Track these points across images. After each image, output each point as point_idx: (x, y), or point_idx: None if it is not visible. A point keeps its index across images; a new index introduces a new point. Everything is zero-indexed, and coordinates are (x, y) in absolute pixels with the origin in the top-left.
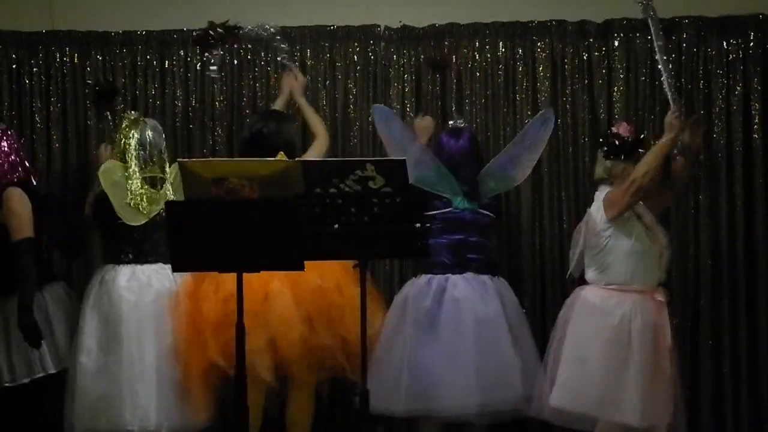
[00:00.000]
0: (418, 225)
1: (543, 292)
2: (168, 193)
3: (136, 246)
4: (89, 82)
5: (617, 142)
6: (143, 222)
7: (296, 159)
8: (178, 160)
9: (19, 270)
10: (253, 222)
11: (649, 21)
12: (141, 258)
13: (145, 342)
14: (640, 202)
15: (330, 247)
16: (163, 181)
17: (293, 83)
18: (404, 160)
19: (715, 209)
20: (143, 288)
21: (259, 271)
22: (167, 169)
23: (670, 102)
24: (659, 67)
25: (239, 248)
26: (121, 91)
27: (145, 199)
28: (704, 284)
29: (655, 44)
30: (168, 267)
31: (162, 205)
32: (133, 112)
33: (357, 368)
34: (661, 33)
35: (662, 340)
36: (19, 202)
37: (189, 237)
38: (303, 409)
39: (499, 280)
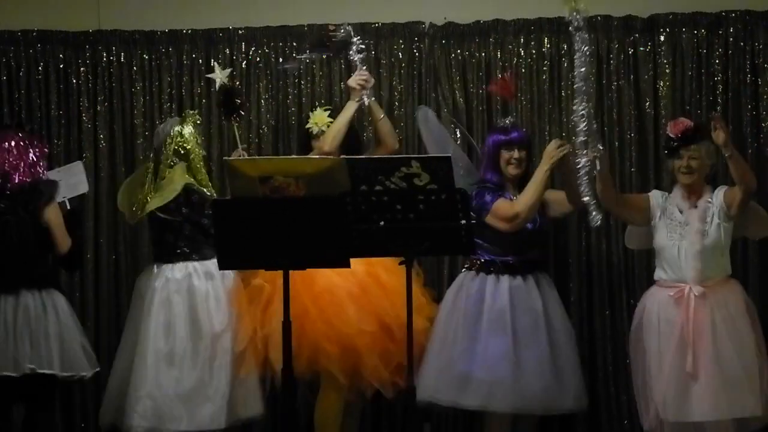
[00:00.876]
0: (463, 222)
1: (590, 290)
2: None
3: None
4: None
5: (666, 141)
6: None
7: (342, 156)
8: (224, 158)
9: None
10: (299, 220)
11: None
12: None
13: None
14: None
15: (376, 244)
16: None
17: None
18: (449, 157)
19: (764, 203)
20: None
21: (305, 269)
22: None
23: (587, 140)
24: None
25: (285, 246)
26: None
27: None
28: None
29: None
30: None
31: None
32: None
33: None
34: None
35: None
36: None
37: (235, 235)
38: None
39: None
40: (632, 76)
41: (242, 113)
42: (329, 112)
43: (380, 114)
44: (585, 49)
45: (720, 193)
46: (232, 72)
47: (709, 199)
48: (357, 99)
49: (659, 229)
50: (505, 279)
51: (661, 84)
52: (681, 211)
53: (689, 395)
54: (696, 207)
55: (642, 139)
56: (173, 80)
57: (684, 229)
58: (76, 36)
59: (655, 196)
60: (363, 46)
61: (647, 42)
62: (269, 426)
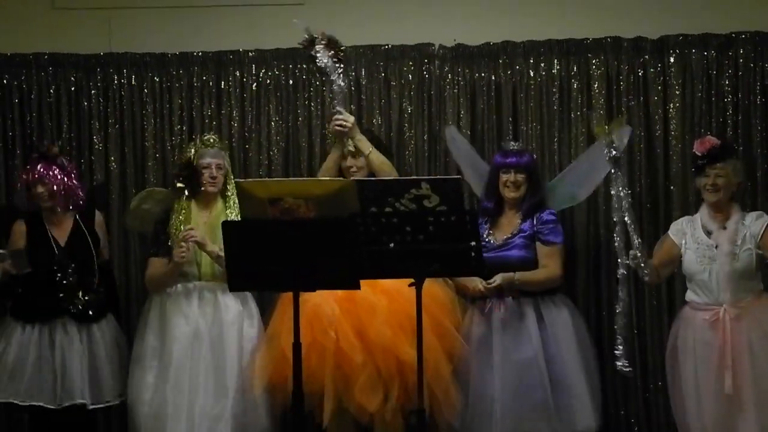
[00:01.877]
0: (473, 243)
1: (598, 309)
2: None
3: None
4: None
5: (692, 159)
6: None
7: (352, 178)
8: (234, 180)
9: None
10: (309, 241)
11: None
12: None
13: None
14: None
15: (386, 265)
16: None
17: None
18: (459, 178)
19: None
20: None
21: (315, 290)
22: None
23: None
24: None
25: (295, 267)
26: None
27: None
28: None
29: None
30: None
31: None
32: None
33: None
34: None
35: None
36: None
37: (246, 256)
38: None
39: None
40: (642, 98)
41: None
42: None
43: (367, 149)
44: (621, 192)
45: (757, 224)
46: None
47: (741, 221)
48: (339, 143)
49: (687, 254)
50: (491, 304)
51: (671, 105)
52: (709, 233)
53: (732, 417)
54: (725, 228)
55: (651, 159)
56: (184, 102)
57: (713, 252)
58: (88, 59)
59: (674, 231)
60: (341, 84)
61: (657, 63)
62: None
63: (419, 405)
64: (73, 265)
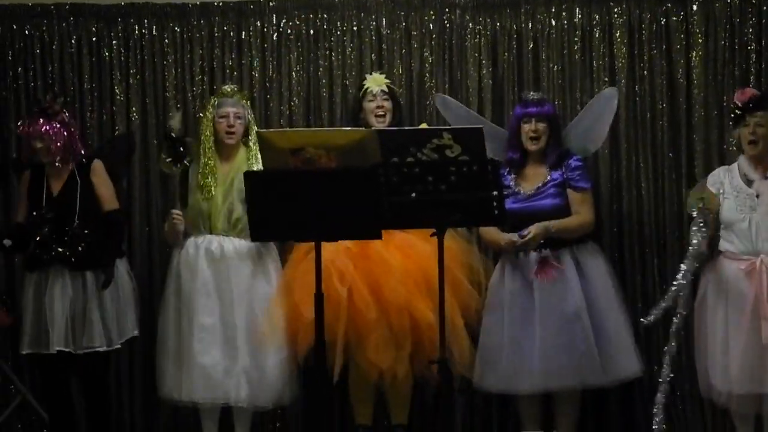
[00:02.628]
0: (495, 192)
1: (621, 258)
2: None
3: None
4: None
5: (732, 109)
6: None
7: (373, 128)
8: (255, 130)
9: (118, 239)
10: (330, 192)
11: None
12: None
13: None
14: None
15: (407, 216)
16: None
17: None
18: (481, 128)
19: None
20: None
21: (336, 241)
22: None
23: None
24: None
25: (317, 218)
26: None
27: None
28: None
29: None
30: None
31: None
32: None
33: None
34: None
35: None
36: (106, 173)
37: (267, 207)
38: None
39: None
40: (664, 46)
41: (188, 160)
42: (384, 75)
43: None
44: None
45: None
46: (183, 115)
47: None
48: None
49: (726, 202)
50: (527, 255)
51: (693, 54)
52: (750, 182)
53: (764, 367)
54: (767, 178)
55: (674, 109)
56: (205, 53)
57: (754, 201)
58: (109, 9)
59: (711, 182)
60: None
61: (680, 11)
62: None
63: (441, 355)
64: (47, 216)
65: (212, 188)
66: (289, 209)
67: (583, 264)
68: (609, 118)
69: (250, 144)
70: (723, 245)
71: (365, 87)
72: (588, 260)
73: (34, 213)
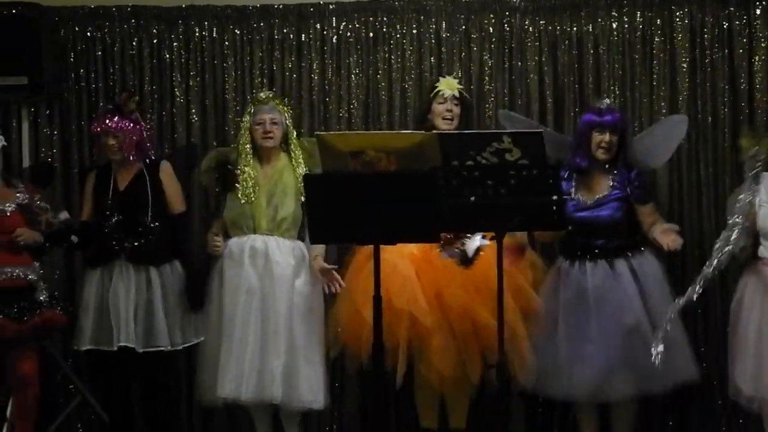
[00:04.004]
0: (554, 197)
1: (682, 266)
2: None
3: None
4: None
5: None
6: None
7: (433, 131)
8: (315, 133)
9: (183, 242)
10: (390, 194)
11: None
12: None
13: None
14: None
15: (467, 219)
16: None
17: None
18: (541, 132)
19: None
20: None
21: (395, 243)
22: None
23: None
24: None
25: (376, 220)
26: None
27: None
28: None
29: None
30: None
31: None
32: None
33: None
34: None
35: None
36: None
37: (327, 209)
38: None
39: None
40: (726, 51)
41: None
42: (458, 80)
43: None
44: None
45: None
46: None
47: None
48: None
49: (762, 209)
50: (582, 265)
51: (756, 58)
52: None
53: None
54: None
55: (736, 114)
56: (264, 55)
57: None
58: (170, 11)
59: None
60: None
61: (742, 15)
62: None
63: (500, 359)
64: (115, 208)
65: (252, 192)
66: (349, 212)
67: (639, 272)
68: (676, 143)
69: (291, 149)
70: (761, 251)
71: (437, 89)
72: (644, 268)
73: (107, 203)
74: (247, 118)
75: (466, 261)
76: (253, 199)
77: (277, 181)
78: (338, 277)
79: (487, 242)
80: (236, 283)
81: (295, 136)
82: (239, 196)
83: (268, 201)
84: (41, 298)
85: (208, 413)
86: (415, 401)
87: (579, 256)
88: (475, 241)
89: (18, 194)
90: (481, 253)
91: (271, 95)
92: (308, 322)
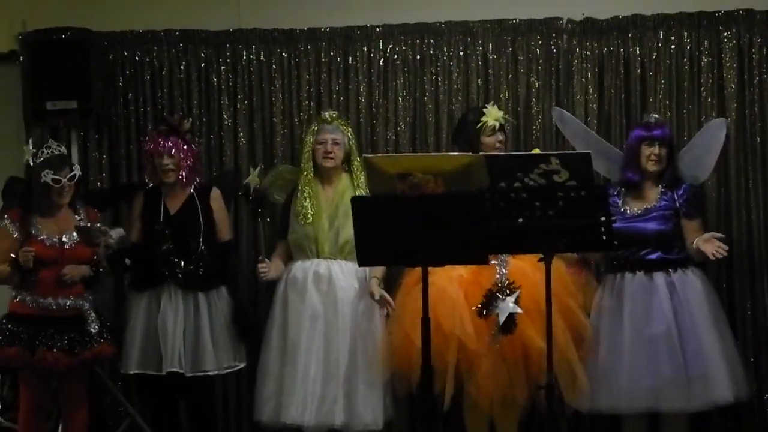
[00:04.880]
0: (603, 218)
1: (730, 284)
2: None
3: None
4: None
5: None
6: None
7: (480, 153)
8: (363, 155)
9: (229, 268)
10: (438, 216)
11: None
12: None
13: None
14: None
15: (515, 241)
16: None
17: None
18: (589, 153)
19: None
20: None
21: (443, 265)
22: None
23: None
24: None
25: (424, 242)
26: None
27: None
28: None
29: None
30: None
31: None
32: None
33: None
34: None
35: None
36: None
37: (374, 232)
38: None
39: None
40: None
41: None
42: (498, 105)
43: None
44: None
45: None
46: (261, 170)
47: None
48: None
49: None
50: (622, 276)
51: None
52: None
53: None
54: None
55: None
56: (312, 78)
57: None
58: (217, 35)
59: None
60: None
61: None
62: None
63: (548, 380)
64: (167, 232)
65: (312, 214)
66: (396, 234)
67: (679, 288)
68: (718, 149)
69: (353, 169)
70: None
71: (484, 122)
72: (685, 284)
73: (156, 227)
74: (309, 137)
75: (503, 331)
76: (311, 220)
77: (338, 203)
78: (390, 300)
79: (519, 310)
80: (300, 308)
81: (357, 156)
82: (300, 218)
83: (330, 224)
84: (92, 329)
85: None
86: (465, 423)
87: (621, 267)
88: (506, 310)
89: (78, 220)
90: (516, 318)
91: (335, 115)
92: (370, 343)
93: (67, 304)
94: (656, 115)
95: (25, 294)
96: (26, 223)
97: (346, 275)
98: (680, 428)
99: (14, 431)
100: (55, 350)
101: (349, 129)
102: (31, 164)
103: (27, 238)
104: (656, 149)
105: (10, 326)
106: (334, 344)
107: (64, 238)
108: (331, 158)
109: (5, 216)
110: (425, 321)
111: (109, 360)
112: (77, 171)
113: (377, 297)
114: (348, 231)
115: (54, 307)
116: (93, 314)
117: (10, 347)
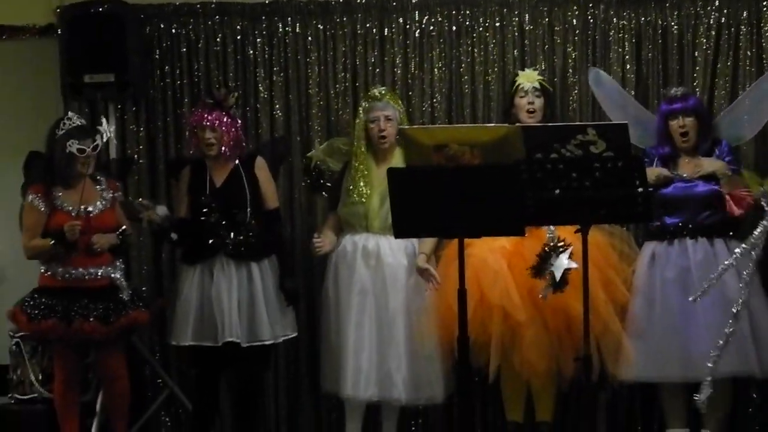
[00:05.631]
0: (640, 189)
1: None
2: None
3: None
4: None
5: None
6: None
7: (517, 124)
8: (399, 127)
9: (277, 236)
10: (474, 188)
11: None
12: None
13: None
14: None
15: (551, 212)
16: None
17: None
18: (626, 124)
19: None
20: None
21: (480, 237)
22: None
23: None
24: None
25: (460, 214)
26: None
27: None
28: None
29: None
30: None
31: None
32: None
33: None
34: None
35: None
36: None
37: (411, 203)
38: None
39: None
40: None
41: (327, 189)
42: (538, 71)
43: None
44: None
45: None
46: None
47: None
48: None
49: None
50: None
51: None
52: None
53: None
54: None
55: None
56: (347, 50)
57: None
58: (253, 8)
59: None
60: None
61: None
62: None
63: (585, 351)
64: (213, 205)
65: (365, 191)
66: (433, 206)
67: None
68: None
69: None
70: None
71: (517, 83)
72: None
73: (202, 198)
74: (361, 115)
75: (557, 287)
76: (364, 199)
77: None
78: (435, 273)
79: (574, 264)
80: (349, 283)
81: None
82: (351, 194)
83: (381, 202)
84: (125, 296)
85: (295, 405)
86: (502, 394)
87: (678, 235)
88: (561, 266)
89: (101, 190)
90: (569, 275)
91: (384, 91)
92: (424, 319)
93: (99, 273)
94: (677, 88)
95: (55, 267)
96: (50, 196)
97: (394, 251)
98: (723, 401)
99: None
100: (91, 319)
101: (400, 102)
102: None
103: (53, 211)
104: (681, 121)
105: (43, 300)
106: (385, 320)
107: (89, 208)
108: (385, 138)
109: (30, 191)
110: (461, 293)
111: (145, 328)
112: (99, 141)
113: (421, 271)
114: None
115: (86, 277)
116: (124, 282)
117: (46, 320)
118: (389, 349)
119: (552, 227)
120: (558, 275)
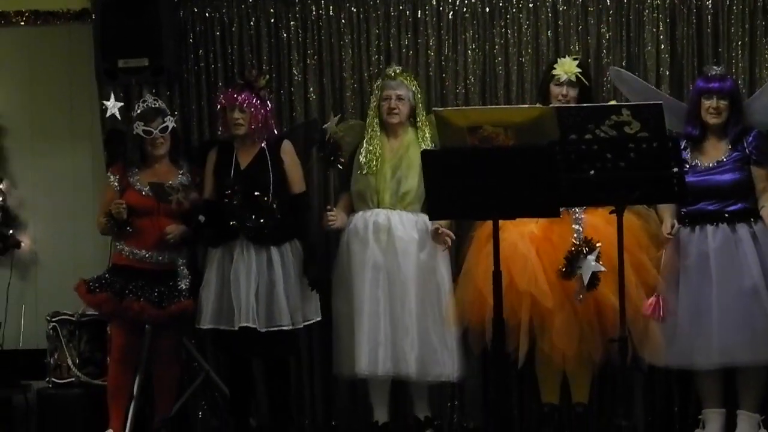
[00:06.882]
0: (675, 170)
1: None
2: None
3: None
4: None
5: None
6: None
7: (551, 105)
8: (433, 109)
9: (302, 222)
10: (508, 169)
11: None
12: None
13: None
14: None
15: (586, 193)
16: None
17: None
18: (661, 104)
19: None
20: None
21: (514, 218)
22: None
23: None
24: None
25: (495, 196)
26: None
27: None
28: None
29: None
30: None
31: None
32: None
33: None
34: None
35: None
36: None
37: (445, 185)
38: None
39: None
40: None
41: (341, 163)
42: (577, 60)
43: None
44: None
45: None
46: (340, 118)
47: None
48: None
49: None
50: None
51: None
52: None
53: None
54: None
55: None
56: (381, 32)
57: None
58: None
59: None
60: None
61: None
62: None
63: (621, 334)
64: (236, 187)
65: (377, 165)
66: (467, 187)
67: (761, 238)
68: None
69: (419, 124)
70: None
71: (554, 71)
72: (765, 237)
73: (226, 181)
74: (376, 92)
75: (589, 288)
76: (375, 170)
77: (402, 155)
78: (448, 231)
79: (602, 268)
80: (362, 258)
81: (423, 111)
82: (363, 167)
83: (392, 174)
84: (183, 285)
85: (330, 387)
86: (537, 378)
87: (700, 221)
88: (589, 269)
89: (181, 174)
90: (599, 274)
91: (398, 70)
92: (436, 294)
93: (163, 257)
94: (717, 68)
95: (123, 245)
96: (125, 175)
97: (405, 226)
98: (758, 380)
99: (92, 386)
100: (142, 300)
101: (415, 83)
102: (119, 117)
103: (126, 189)
104: (714, 102)
105: (107, 276)
106: (398, 294)
107: None
108: (396, 114)
109: (110, 170)
110: (497, 274)
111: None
112: (169, 123)
113: (434, 233)
114: (410, 182)
115: (150, 260)
116: (185, 270)
117: (101, 293)
118: (402, 324)
119: (578, 227)
120: (586, 279)
